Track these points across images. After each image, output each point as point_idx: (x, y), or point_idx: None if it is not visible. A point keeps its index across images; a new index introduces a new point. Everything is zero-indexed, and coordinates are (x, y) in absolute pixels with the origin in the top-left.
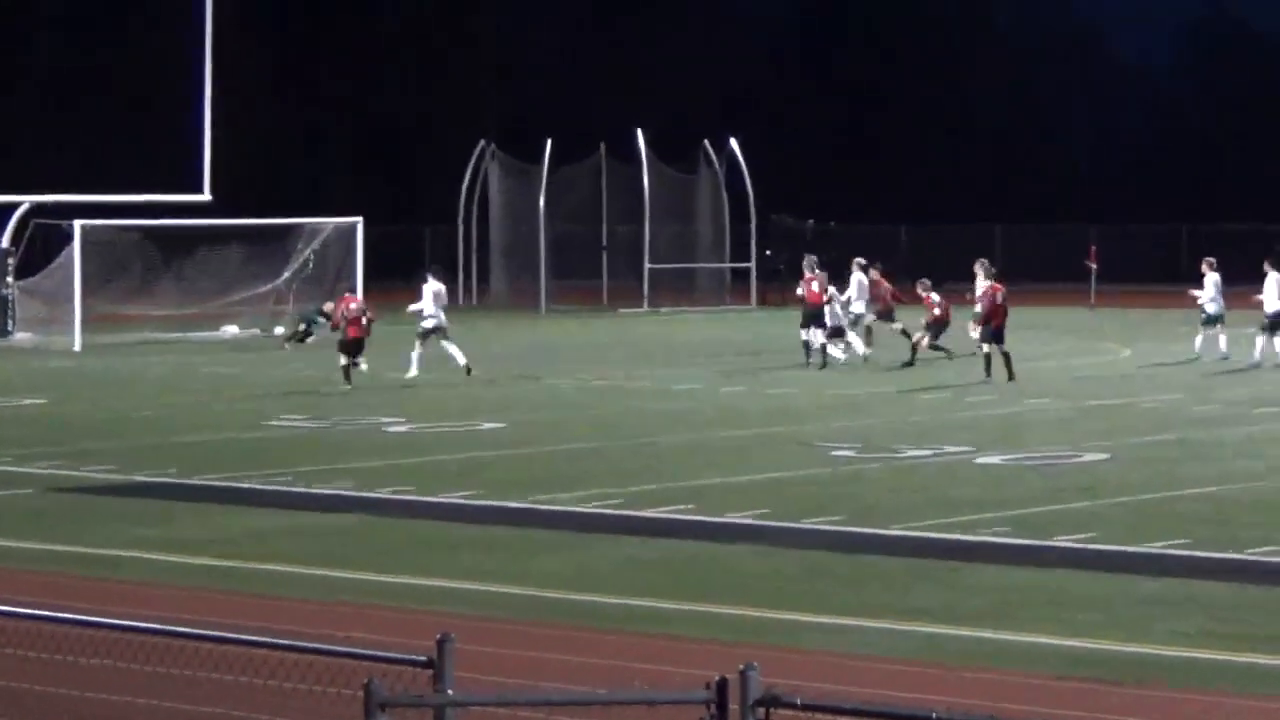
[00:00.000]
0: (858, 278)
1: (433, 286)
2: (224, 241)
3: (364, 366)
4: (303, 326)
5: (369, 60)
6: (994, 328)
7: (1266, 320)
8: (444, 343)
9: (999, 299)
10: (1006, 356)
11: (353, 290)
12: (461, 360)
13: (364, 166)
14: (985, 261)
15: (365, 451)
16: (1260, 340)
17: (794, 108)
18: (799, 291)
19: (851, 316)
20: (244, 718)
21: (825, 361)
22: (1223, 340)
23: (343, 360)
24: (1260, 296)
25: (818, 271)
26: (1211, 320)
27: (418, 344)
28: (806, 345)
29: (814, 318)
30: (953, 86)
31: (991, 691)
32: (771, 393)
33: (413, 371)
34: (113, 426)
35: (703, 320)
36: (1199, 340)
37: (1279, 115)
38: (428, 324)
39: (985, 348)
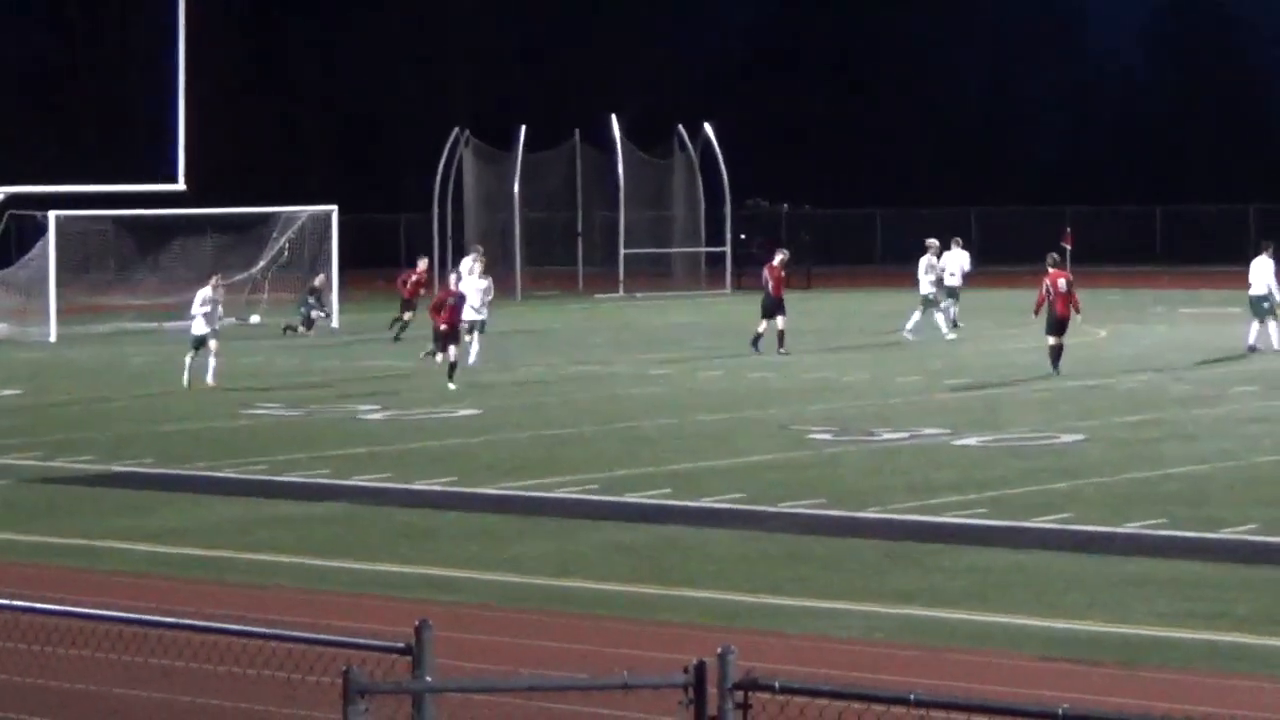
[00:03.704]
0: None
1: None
2: (199, 231)
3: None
4: (303, 312)
5: (342, 49)
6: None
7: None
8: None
9: (1047, 291)
10: (1051, 349)
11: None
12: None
13: (339, 155)
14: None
15: (342, 439)
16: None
17: (769, 92)
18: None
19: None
20: (224, 706)
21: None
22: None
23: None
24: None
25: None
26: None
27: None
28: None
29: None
30: (928, 70)
31: (972, 673)
32: (748, 376)
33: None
34: (89, 417)
35: (678, 305)
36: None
37: (1252, 98)
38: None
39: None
